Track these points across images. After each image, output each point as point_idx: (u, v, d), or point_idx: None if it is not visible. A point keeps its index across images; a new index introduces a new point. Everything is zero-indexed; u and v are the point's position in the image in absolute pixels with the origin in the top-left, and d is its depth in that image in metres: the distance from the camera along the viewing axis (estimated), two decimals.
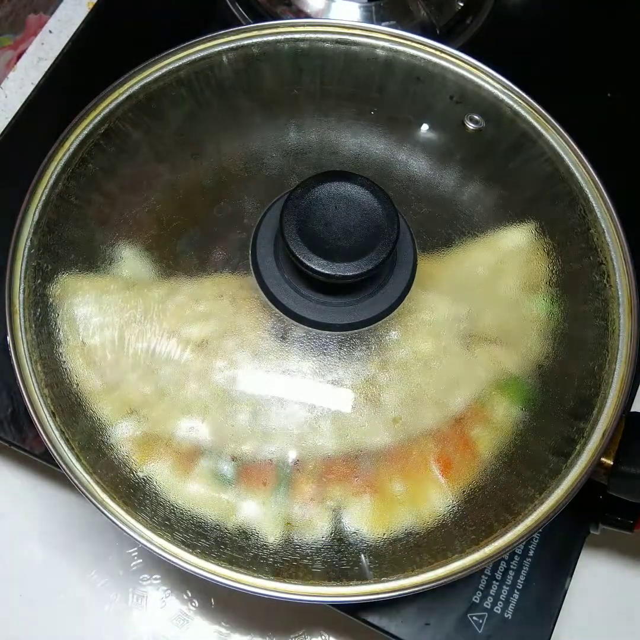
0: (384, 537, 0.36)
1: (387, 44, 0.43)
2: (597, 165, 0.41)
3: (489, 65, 0.43)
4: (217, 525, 0.36)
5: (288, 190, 0.36)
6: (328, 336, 0.36)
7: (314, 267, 0.33)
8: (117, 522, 0.35)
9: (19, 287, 0.37)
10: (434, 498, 0.36)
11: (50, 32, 0.60)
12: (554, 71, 0.57)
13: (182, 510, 0.36)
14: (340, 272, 0.33)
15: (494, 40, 0.57)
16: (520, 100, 0.42)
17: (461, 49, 0.43)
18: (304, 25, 0.43)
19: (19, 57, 0.60)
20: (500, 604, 0.45)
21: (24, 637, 0.47)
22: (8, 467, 0.50)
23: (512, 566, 0.45)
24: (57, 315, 0.37)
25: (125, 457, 0.36)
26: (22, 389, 0.36)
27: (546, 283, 0.39)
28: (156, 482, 0.36)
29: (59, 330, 0.37)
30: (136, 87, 0.41)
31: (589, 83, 0.57)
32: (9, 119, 0.55)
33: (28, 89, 0.57)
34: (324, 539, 0.36)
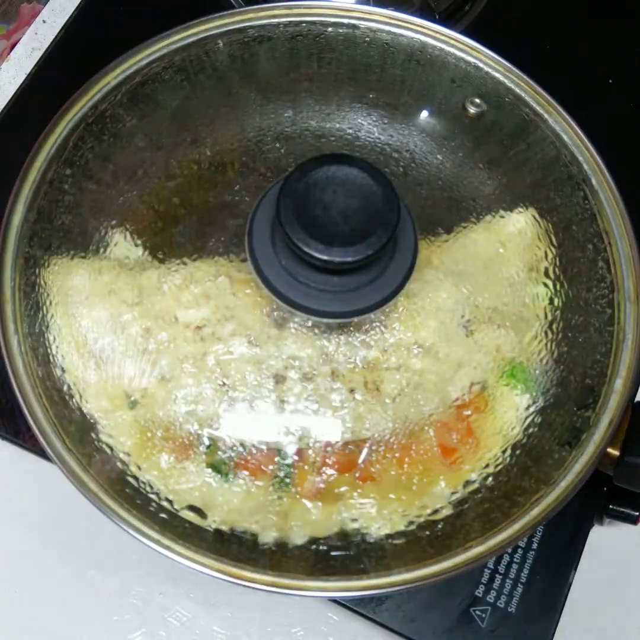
0: (386, 530, 0.35)
1: (386, 27, 0.42)
2: (600, 150, 0.41)
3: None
4: (215, 519, 0.35)
5: (285, 174, 0.35)
6: (327, 323, 0.35)
7: (311, 252, 0.33)
8: (112, 517, 0.35)
9: (9, 276, 0.36)
10: (437, 490, 0.36)
11: (43, 22, 0.60)
12: (554, 59, 0.57)
13: (178, 503, 0.35)
14: (339, 257, 0.33)
15: (492, 26, 0.57)
16: (522, 84, 0.42)
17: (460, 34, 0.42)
18: (300, 8, 0.42)
19: (12, 47, 0.59)
20: (503, 598, 0.44)
21: (20, 634, 0.47)
22: (4, 462, 0.49)
23: (515, 559, 0.45)
24: (49, 304, 0.37)
25: (120, 449, 0.35)
26: (14, 381, 0.35)
27: (550, 269, 0.38)
28: (151, 476, 0.35)
29: (51, 320, 0.36)
30: (129, 71, 0.40)
31: (591, 69, 0.57)
32: (1, 109, 0.54)
33: (21, 79, 0.56)
34: (325, 532, 0.35)
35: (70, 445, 0.35)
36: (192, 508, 0.35)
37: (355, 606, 0.44)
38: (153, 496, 0.35)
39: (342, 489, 0.35)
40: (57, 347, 0.36)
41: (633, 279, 0.38)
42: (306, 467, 0.35)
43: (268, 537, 0.35)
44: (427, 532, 0.35)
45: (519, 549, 0.45)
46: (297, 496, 0.35)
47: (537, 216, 0.39)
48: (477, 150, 0.40)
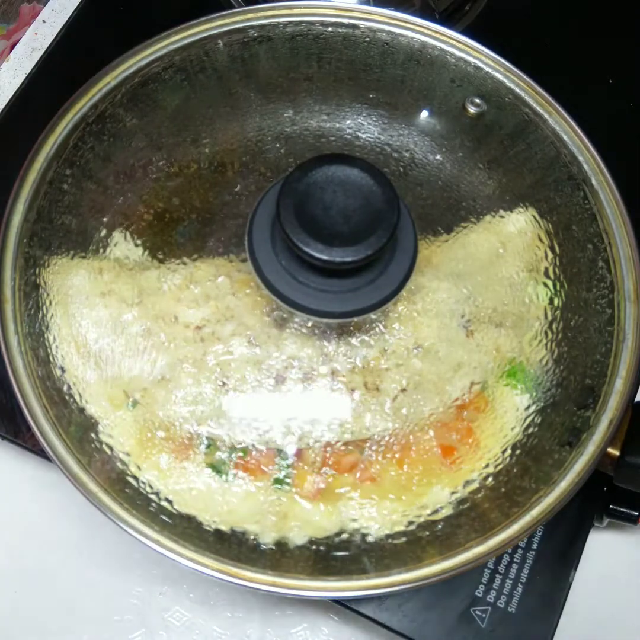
0: (386, 530, 0.35)
1: (386, 27, 0.42)
2: (600, 150, 0.41)
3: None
4: (215, 519, 0.35)
5: (285, 174, 0.35)
6: (327, 323, 0.35)
7: (311, 252, 0.33)
8: (112, 517, 0.35)
9: (10, 276, 0.36)
10: (437, 490, 0.36)
11: (43, 22, 0.59)
12: (554, 59, 0.57)
13: (178, 504, 0.35)
14: (339, 257, 0.33)
15: (492, 27, 0.57)
16: (522, 84, 0.42)
17: (460, 34, 0.42)
18: (300, 8, 0.42)
19: (12, 47, 0.59)
20: (503, 598, 0.44)
21: (20, 634, 0.46)
22: (4, 462, 0.49)
23: (515, 559, 0.45)
24: (49, 304, 0.36)
25: (120, 449, 0.35)
26: (14, 381, 0.35)
27: (550, 269, 0.38)
28: (151, 476, 0.35)
29: (51, 320, 0.36)
30: (129, 71, 0.40)
31: (590, 69, 0.57)
32: (1, 109, 0.54)
33: (21, 79, 0.56)
34: (325, 532, 0.35)
35: (70, 445, 0.35)
36: (192, 509, 0.35)
37: (355, 606, 0.44)
38: (153, 496, 0.35)
39: (342, 489, 0.35)
40: (57, 347, 0.36)
41: (633, 279, 0.38)
42: (306, 468, 0.35)
43: (268, 537, 0.35)
44: (427, 532, 0.35)
45: (519, 549, 0.45)
46: (297, 496, 0.35)
47: (537, 216, 0.39)
48: (477, 150, 0.40)
